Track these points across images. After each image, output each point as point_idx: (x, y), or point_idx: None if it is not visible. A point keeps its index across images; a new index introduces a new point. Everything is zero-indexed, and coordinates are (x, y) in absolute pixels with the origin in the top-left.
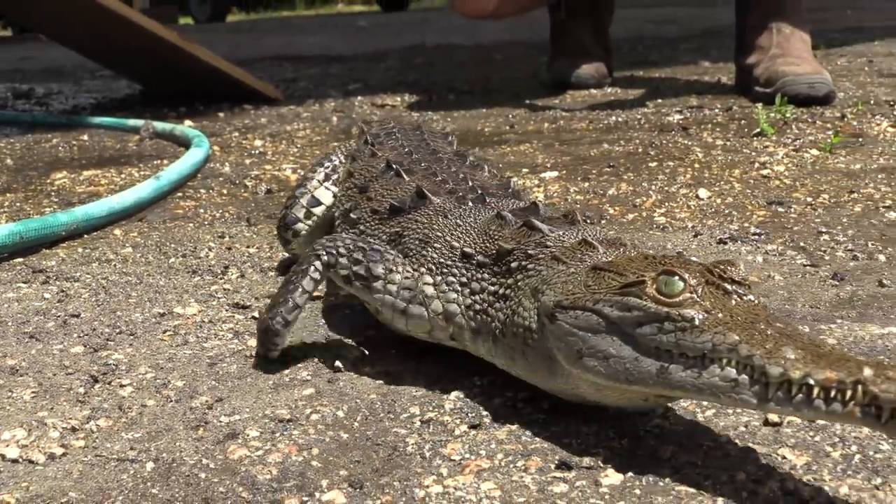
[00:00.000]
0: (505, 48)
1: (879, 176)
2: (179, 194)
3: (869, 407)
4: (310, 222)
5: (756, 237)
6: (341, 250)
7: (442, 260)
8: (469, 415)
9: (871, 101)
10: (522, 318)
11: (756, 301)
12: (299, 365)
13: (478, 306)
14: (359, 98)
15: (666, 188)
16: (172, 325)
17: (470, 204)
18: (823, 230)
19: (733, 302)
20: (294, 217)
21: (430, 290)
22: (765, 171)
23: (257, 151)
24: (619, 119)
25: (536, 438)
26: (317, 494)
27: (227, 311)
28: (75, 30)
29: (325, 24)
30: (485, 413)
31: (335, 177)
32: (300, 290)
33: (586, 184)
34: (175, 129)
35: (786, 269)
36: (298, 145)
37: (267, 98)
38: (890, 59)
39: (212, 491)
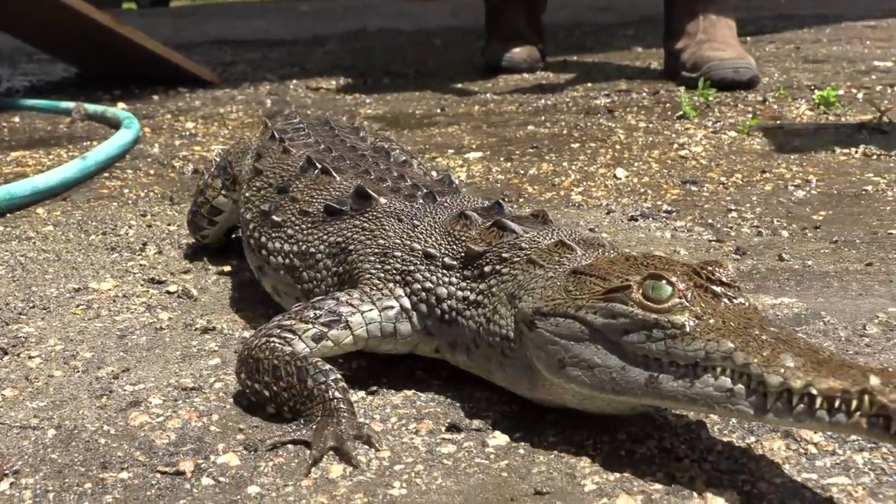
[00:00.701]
0: (445, 33)
1: (792, 157)
2: (106, 174)
3: (876, 418)
4: (214, 228)
5: (667, 214)
6: (288, 323)
7: (406, 268)
8: (367, 382)
9: (794, 86)
10: (499, 327)
11: (748, 304)
12: (207, 336)
13: (447, 316)
14: (294, 82)
15: (586, 168)
16: (86, 299)
17: (421, 202)
18: (732, 208)
19: (724, 306)
20: (198, 225)
21: (406, 303)
22: (683, 152)
23: (188, 133)
24: (548, 102)
25: (430, 403)
26: (212, 457)
27: (141, 286)
28: (11, 14)
29: (267, 9)
30: (384, 380)
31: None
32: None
33: (509, 164)
34: (107, 112)
35: (692, 244)
36: (230, 127)
37: (203, 81)
38: (816, 46)
39: (110, 455)
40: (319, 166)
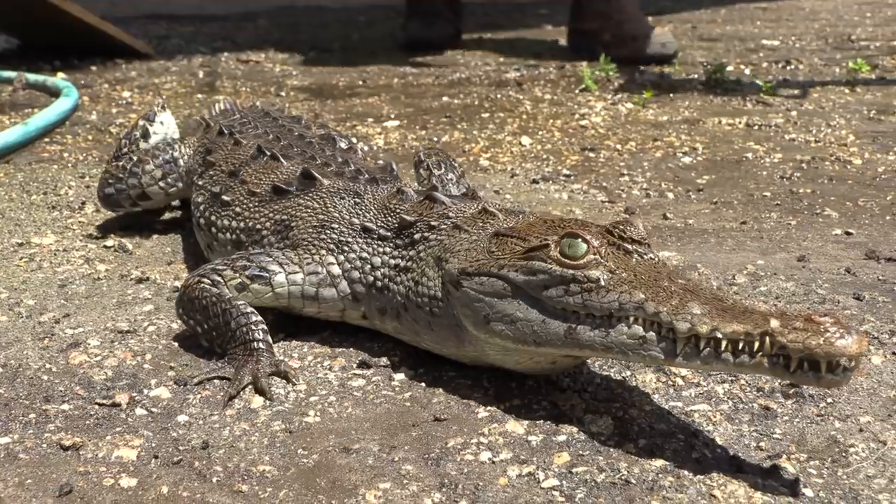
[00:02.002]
0: (369, 11)
1: (682, 126)
2: (47, 140)
3: (777, 357)
4: (133, 210)
5: (566, 178)
6: (220, 268)
7: (342, 238)
8: (289, 325)
9: (689, 62)
10: (427, 288)
11: (657, 259)
12: (141, 286)
13: (380, 283)
14: (226, 54)
15: (494, 136)
16: (29, 252)
17: (363, 183)
18: (625, 172)
19: (635, 261)
20: (118, 202)
21: (335, 270)
22: (583, 122)
23: (125, 101)
24: (462, 76)
25: (344, 344)
26: (145, 391)
27: (80, 241)
28: None
29: None
30: (304, 324)
31: (172, 177)
32: (222, 315)
33: (424, 132)
34: (47, 81)
35: (586, 204)
36: (164, 96)
37: (139, 53)
38: (711, 26)
39: (52, 390)
40: (269, 153)
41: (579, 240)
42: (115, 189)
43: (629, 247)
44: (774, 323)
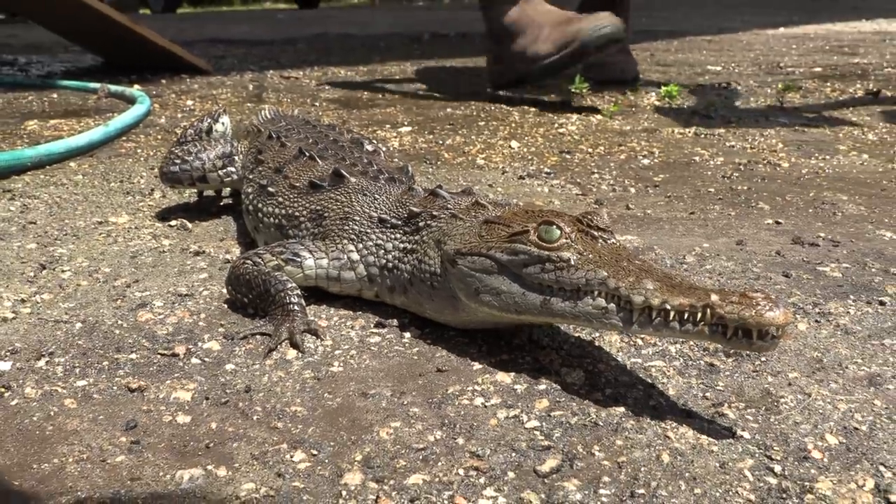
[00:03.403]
0: (388, 38)
1: (642, 134)
2: (124, 139)
3: (716, 326)
4: (192, 188)
5: (546, 175)
6: (261, 252)
7: (362, 229)
8: (318, 293)
9: (647, 83)
10: (428, 266)
11: (618, 243)
12: (198, 258)
13: (391, 264)
14: (271, 72)
15: (488, 140)
16: (107, 229)
17: (383, 182)
18: (595, 171)
19: (600, 244)
20: (178, 178)
21: (354, 256)
22: (561, 130)
23: (188, 108)
24: (465, 91)
25: (363, 308)
26: (199, 343)
27: (149, 220)
28: (54, 15)
29: (253, 17)
30: (330, 292)
31: (229, 168)
32: (268, 284)
33: (431, 136)
34: (125, 91)
35: (564, 196)
36: (220, 104)
37: (200, 70)
38: (666, 54)
39: (122, 342)
40: (308, 154)
41: (554, 226)
42: (179, 168)
43: (595, 233)
44: (714, 297)
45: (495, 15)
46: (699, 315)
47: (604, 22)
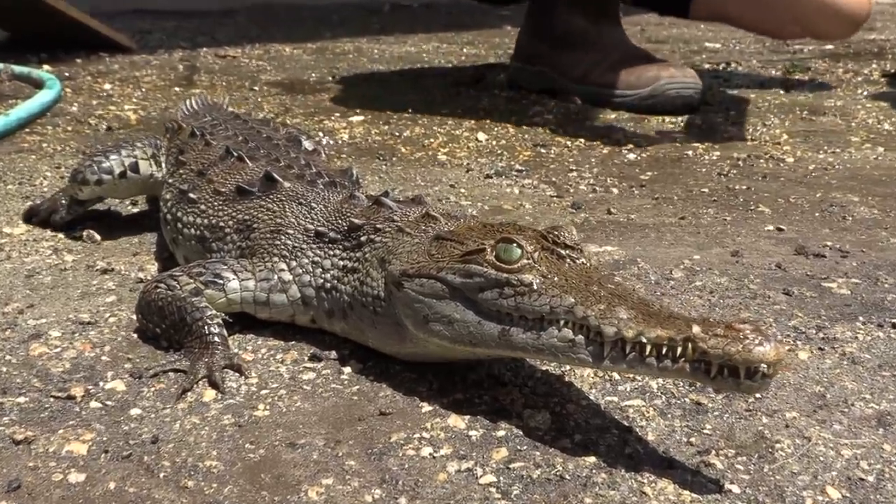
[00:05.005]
0: (341, 9)
1: (629, 124)
2: (27, 130)
3: (698, 363)
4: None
5: (517, 173)
6: (176, 274)
7: (296, 244)
8: (244, 319)
9: None
10: (370, 288)
11: (588, 263)
12: (106, 277)
13: (329, 285)
14: (205, 49)
15: (452, 131)
16: None
17: (321, 188)
18: (574, 168)
19: (567, 265)
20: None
21: (287, 276)
22: (536, 119)
23: (105, 94)
24: (426, 74)
25: (297, 337)
26: (101, 383)
27: (51, 231)
28: None
29: None
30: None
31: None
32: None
33: (386, 126)
34: (32, 73)
35: (536, 199)
36: (143, 89)
37: (122, 47)
38: (659, 28)
39: (10, 382)
40: (236, 154)
41: (514, 244)
42: (87, 169)
43: (562, 252)
44: (696, 329)
45: (561, 18)
46: (679, 350)
47: (689, 82)
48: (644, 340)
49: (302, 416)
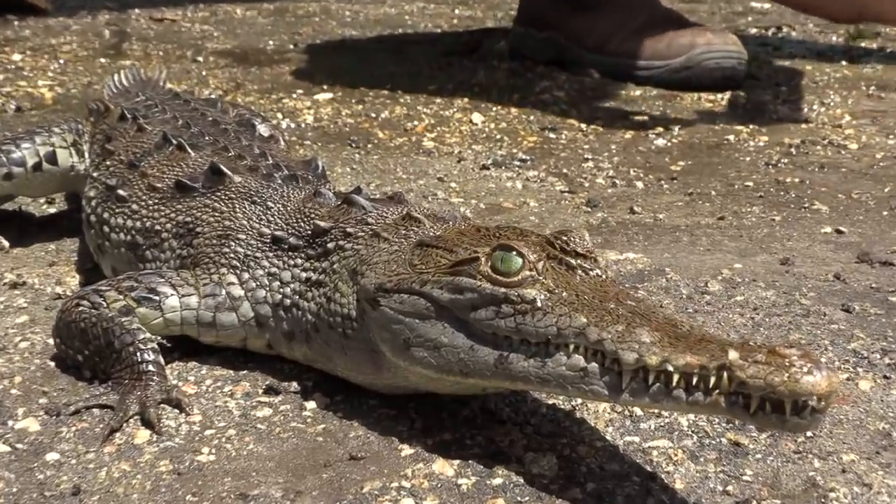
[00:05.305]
0: None
1: (656, 102)
2: None
3: (736, 396)
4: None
5: (521, 163)
6: (103, 289)
7: (248, 252)
8: (185, 343)
9: None
10: (340, 306)
11: (604, 276)
12: (16, 292)
13: (288, 301)
14: (136, 11)
15: (441, 112)
16: None
17: (279, 182)
18: (589, 157)
19: (578, 278)
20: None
21: (237, 291)
22: (544, 96)
23: (14, 66)
24: (409, 41)
25: (249, 364)
26: (10, 422)
27: None
28: None
29: None
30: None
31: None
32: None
33: (360, 106)
34: None
35: (543, 195)
36: (61, 61)
37: (34, 7)
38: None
39: None
40: (175, 141)
41: (513, 253)
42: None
43: (572, 261)
44: (733, 355)
45: None
46: (712, 380)
47: (731, 50)
48: (670, 369)
49: (255, 462)
